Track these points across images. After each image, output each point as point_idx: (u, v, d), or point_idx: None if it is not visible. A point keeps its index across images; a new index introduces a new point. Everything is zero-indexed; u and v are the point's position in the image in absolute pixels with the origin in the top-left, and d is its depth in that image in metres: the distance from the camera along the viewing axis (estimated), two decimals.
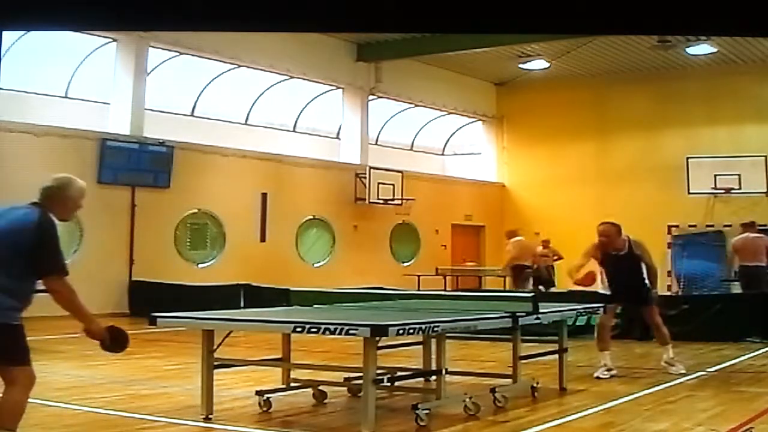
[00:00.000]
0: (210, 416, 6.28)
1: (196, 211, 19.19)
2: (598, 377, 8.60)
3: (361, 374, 5.94)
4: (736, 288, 19.27)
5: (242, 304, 14.37)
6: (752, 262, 14.52)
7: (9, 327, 4.41)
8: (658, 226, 23.10)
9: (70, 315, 4.60)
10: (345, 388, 7.34)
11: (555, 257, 19.84)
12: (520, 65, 24.04)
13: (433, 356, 7.19)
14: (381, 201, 22.23)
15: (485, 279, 24.09)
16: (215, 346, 6.39)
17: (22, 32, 11.41)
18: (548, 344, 8.08)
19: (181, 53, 19.23)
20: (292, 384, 7.18)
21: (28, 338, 4.54)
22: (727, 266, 17.80)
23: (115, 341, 4.93)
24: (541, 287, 18.87)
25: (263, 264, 19.12)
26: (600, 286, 9.83)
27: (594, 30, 2.81)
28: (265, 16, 2.79)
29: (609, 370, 8.74)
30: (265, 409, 6.66)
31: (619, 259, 8.92)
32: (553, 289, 18.49)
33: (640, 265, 8.94)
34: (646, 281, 8.97)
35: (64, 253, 4.75)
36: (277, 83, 21.61)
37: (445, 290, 19.67)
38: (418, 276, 19.68)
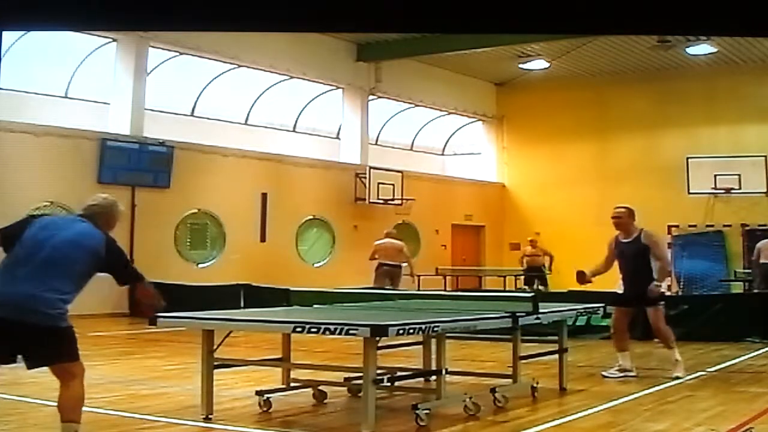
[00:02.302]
0: (210, 416, 6.28)
1: (196, 211, 19.19)
2: (604, 376, 8.57)
3: (361, 374, 5.94)
4: (736, 288, 19.33)
5: (242, 304, 14.36)
6: None
7: (63, 329, 4.82)
8: (658, 226, 23.00)
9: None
10: (345, 388, 7.34)
11: (544, 255, 19.95)
12: (520, 65, 24.06)
13: (433, 356, 7.19)
14: (381, 201, 22.23)
15: (485, 279, 24.11)
16: (215, 346, 6.40)
17: (22, 32, 11.42)
18: (548, 344, 8.08)
19: (181, 53, 19.23)
20: (292, 384, 7.18)
21: None
22: (747, 265, 17.85)
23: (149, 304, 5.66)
24: (542, 287, 18.93)
25: (263, 264, 19.12)
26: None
27: (594, 30, 2.81)
28: (265, 16, 2.79)
29: (624, 371, 8.62)
30: (265, 409, 6.66)
31: (627, 245, 8.80)
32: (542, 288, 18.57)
33: (647, 258, 8.70)
34: (654, 277, 8.68)
35: None
36: (277, 83, 21.61)
37: (445, 290, 19.69)
38: (418, 276, 19.66)
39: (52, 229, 4.98)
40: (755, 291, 14.56)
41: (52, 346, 4.79)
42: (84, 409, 5.34)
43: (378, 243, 16.74)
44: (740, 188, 21.92)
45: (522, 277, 20.76)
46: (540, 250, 19.95)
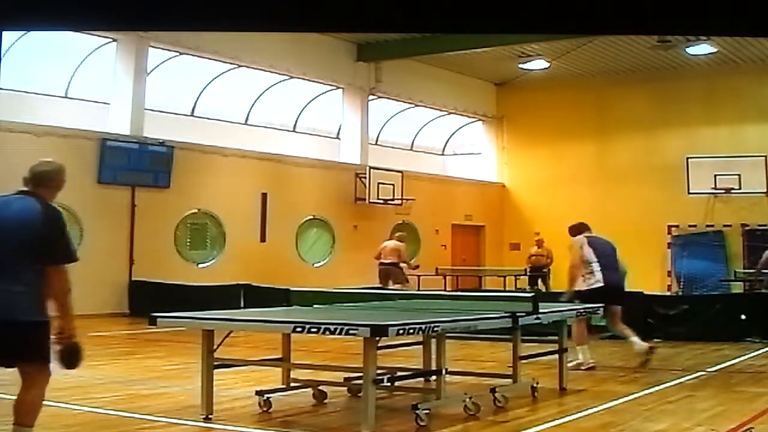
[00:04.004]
0: (210, 416, 6.28)
1: (196, 211, 19.18)
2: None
3: (361, 374, 5.94)
4: (736, 288, 19.32)
5: (242, 304, 14.36)
6: None
7: (27, 324, 4.52)
8: (658, 226, 23.12)
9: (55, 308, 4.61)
10: (345, 388, 7.34)
11: (548, 259, 19.94)
12: (520, 65, 24.05)
13: (433, 356, 7.19)
14: (381, 201, 22.23)
15: (485, 279, 24.10)
16: (215, 346, 6.39)
17: (22, 32, 11.41)
18: (548, 344, 8.08)
19: (181, 53, 19.22)
20: (292, 384, 7.18)
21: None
22: (748, 265, 17.87)
23: (74, 352, 4.74)
24: (544, 288, 18.97)
25: (263, 264, 19.12)
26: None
27: (594, 30, 2.81)
28: (265, 16, 2.79)
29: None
30: (265, 409, 6.66)
31: None
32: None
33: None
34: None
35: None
36: (277, 83, 21.61)
37: (445, 290, 19.69)
38: (418, 276, 19.67)
39: None
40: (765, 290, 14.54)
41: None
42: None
43: (382, 244, 17.69)
44: (740, 188, 21.92)
45: (524, 277, 20.81)
46: (545, 250, 20.06)
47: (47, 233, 4.58)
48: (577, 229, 10.09)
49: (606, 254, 9.88)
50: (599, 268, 9.71)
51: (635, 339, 9.53)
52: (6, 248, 4.54)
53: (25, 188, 4.77)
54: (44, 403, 4.74)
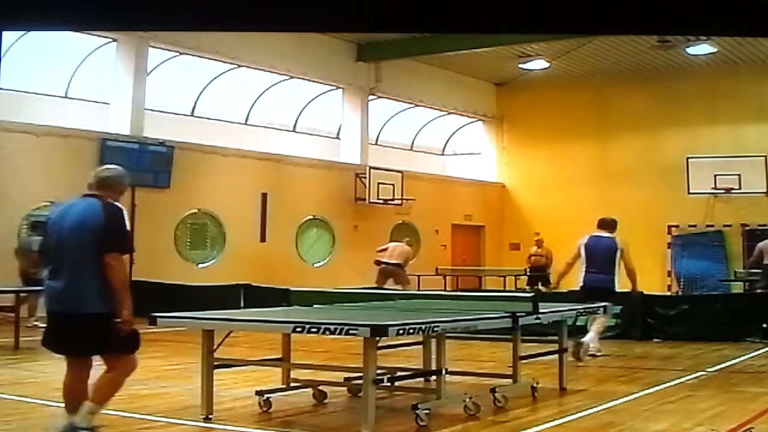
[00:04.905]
0: (210, 416, 6.28)
1: (196, 211, 19.19)
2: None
3: (361, 374, 5.94)
4: (736, 288, 19.31)
5: (242, 304, 14.36)
6: None
7: (94, 316, 5.07)
8: (658, 226, 23.12)
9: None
10: (345, 388, 7.34)
11: (547, 259, 19.91)
12: (520, 65, 24.04)
13: (433, 356, 7.19)
14: (381, 201, 22.23)
15: (485, 279, 24.10)
16: (215, 346, 6.39)
17: (22, 32, 11.42)
18: (548, 344, 8.08)
19: (181, 53, 19.23)
20: (292, 384, 7.18)
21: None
22: (747, 268, 17.82)
23: (131, 339, 5.30)
24: (543, 288, 18.96)
25: (263, 264, 19.11)
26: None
27: (594, 30, 2.81)
28: (265, 16, 2.79)
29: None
30: (265, 409, 6.66)
31: None
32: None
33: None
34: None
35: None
36: (277, 83, 21.61)
37: (445, 290, 19.69)
38: (418, 276, 19.67)
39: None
40: (758, 291, 14.51)
41: None
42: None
43: (390, 244, 17.96)
44: (740, 188, 21.92)
45: (524, 277, 20.80)
46: (545, 250, 20.04)
47: (106, 226, 5.04)
48: (598, 225, 10.51)
49: (593, 255, 10.14)
50: (583, 269, 10.17)
51: (590, 337, 9.91)
52: (71, 246, 5.05)
53: (89, 192, 5.27)
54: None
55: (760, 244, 15.02)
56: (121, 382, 5.29)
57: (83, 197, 5.25)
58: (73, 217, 5.14)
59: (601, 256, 10.09)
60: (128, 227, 5.22)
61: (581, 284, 10.06)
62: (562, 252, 19.60)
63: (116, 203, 5.23)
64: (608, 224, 10.44)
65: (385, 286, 16.57)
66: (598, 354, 10.09)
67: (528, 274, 20.50)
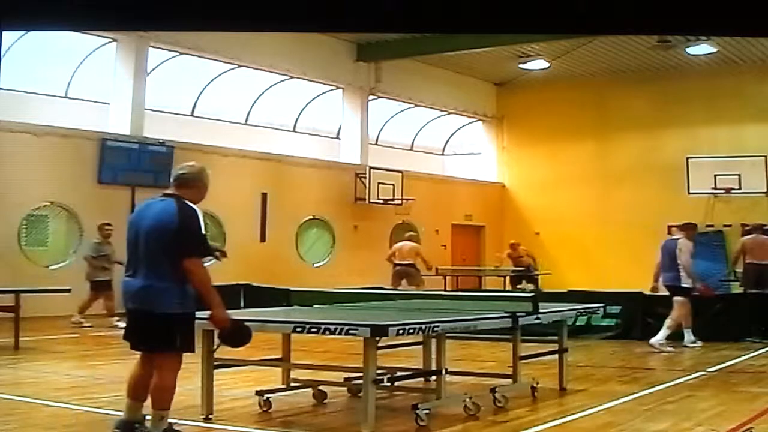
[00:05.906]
0: (210, 416, 6.28)
1: None
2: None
3: (361, 374, 5.94)
4: (736, 288, 19.26)
5: (242, 304, 14.35)
6: (763, 260, 14.64)
7: (167, 315, 5.13)
8: (658, 226, 23.08)
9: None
10: (345, 388, 7.33)
11: (527, 256, 20.08)
12: (520, 65, 24.04)
13: (433, 356, 7.19)
14: (381, 201, 22.22)
15: (485, 279, 24.09)
16: (215, 346, 6.39)
17: (22, 32, 11.42)
18: (548, 344, 8.08)
19: (181, 53, 19.22)
20: (292, 384, 7.18)
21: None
22: (731, 266, 17.80)
23: (234, 334, 5.41)
24: (530, 285, 19.09)
25: (263, 264, 19.11)
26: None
27: (594, 30, 2.81)
28: (265, 16, 2.79)
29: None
30: (265, 409, 6.66)
31: None
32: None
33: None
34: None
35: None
36: (277, 83, 21.60)
37: (445, 290, 19.69)
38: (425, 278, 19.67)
39: None
40: (745, 291, 14.49)
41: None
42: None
43: (396, 245, 17.72)
44: (740, 188, 21.92)
45: (508, 277, 20.95)
46: (523, 251, 20.42)
47: (182, 229, 5.11)
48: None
49: (662, 256, 11.59)
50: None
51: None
52: (148, 247, 5.14)
53: (168, 191, 5.33)
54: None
55: (745, 239, 15.03)
56: (173, 380, 5.29)
57: (162, 197, 5.33)
58: (149, 218, 5.24)
59: (666, 257, 11.55)
60: (204, 229, 5.29)
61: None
62: (561, 250, 19.73)
63: (192, 205, 5.28)
64: (680, 227, 11.89)
65: (399, 288, 16.56)
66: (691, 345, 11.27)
67: (512, 274, 20.62)
